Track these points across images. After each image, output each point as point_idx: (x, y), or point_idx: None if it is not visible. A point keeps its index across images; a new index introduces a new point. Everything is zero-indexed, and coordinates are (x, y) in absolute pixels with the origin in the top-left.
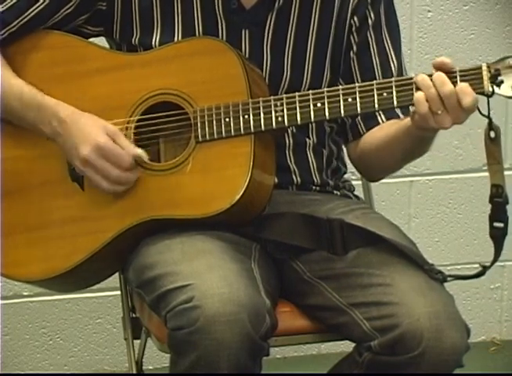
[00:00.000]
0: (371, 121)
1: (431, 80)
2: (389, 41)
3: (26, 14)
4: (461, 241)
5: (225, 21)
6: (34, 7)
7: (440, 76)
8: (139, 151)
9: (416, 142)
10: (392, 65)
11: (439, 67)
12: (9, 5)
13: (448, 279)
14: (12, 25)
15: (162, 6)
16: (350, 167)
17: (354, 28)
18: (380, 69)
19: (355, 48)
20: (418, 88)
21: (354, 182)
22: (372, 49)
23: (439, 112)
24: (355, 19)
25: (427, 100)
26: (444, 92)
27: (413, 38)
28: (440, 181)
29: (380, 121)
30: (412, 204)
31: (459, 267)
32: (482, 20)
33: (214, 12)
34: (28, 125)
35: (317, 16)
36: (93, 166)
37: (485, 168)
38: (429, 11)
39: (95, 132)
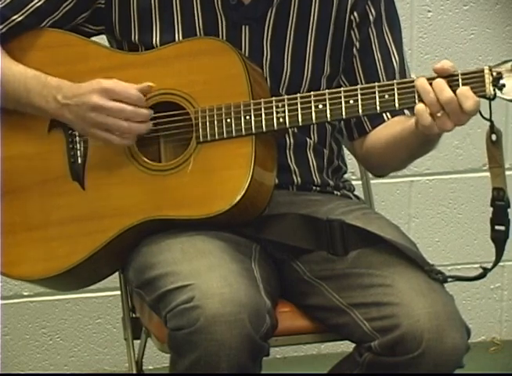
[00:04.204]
0: (377, 119)
1: (431, 85)
2: (390, 37)
3: (25, 9)
4: (461, 241)
5: (224, 17)
6: (33, 2)
7: (439, 83)
8: (143, 83)
9: (422, 143)
10: (394, 60)
11: (440, 73)
12: (9, 0)
13: (449, 280)
14: (11, 20)
15: (161, 4)
16: (350, 167)
17: (354, 24)
18: (381, 64)
19: (357, 44)
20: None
21: (354, 182)
22: (373, 45)
23: (439, 115)
24: (355, 14)
25: (426, 105)
26: (443, 99)
27: (413, 38)
28: (440, 181)
29: (386, 118)
30: (412, 204)
31: (459, 267)
32: (482, 20)
33: (213, 9)
34: (33, 109)
35: (316, 10)
36: (106, 109)
37: (485, 167)
38: (429, 11)
39: (96, 82)
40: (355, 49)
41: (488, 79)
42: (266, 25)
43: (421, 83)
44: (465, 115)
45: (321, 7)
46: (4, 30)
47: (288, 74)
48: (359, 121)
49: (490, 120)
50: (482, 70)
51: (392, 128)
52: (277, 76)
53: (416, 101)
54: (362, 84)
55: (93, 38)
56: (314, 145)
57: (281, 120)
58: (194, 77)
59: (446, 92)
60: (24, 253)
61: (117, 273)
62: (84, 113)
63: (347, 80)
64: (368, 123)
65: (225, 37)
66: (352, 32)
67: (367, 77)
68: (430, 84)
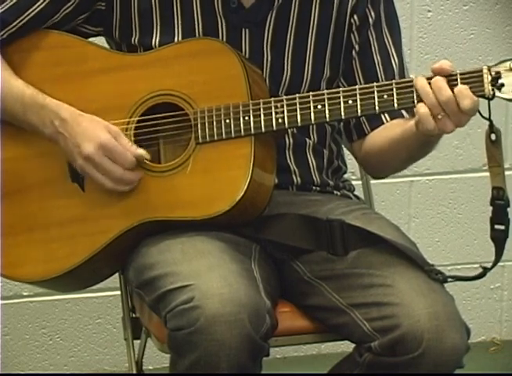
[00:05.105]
0: (375, 121)
1: (430, 85)
2: (390, 39)
3: (26, 14)
4: (461, 241)
5: (225, 21)
6: (34, 7)
7: (438, 82)
8: (141, 151)
9: (421, 145)
10: (393, 62)
11: (438, 73)
12: (9, 5)
13: (449, 280)
14: (12, 25)
15: (161, 7)
16: (350, 167)
17: (354, 27)
18: (381, 67)
19: (357, 47)
20: (418, 94)
21: (354, 182)
22: (373, 47)
23: (439, 117)
24: (355, 17)
25: (427, 106)
26: (442, 99)
27: (413, 38)
28: (440, 181)
29: (385, 120)
30: (412, 204)
31: (459, 267)
32: (482, 20)
33: (213, 12)
34: (29, 127)
35: (316, 14)
36: (96, 164)
37: (485, 167)
38: (429, 11)
39: (98, 131)
40: (354, 52)
41: (486, 79)
42: (266, 28)
43: (422, 85)
44: (464, 115)
45: (321, 10)
46: (5, 35)
47: (288, 77)
48: (358, 122)
49: (489, 119)
50: (481, 70)
51: (392, 130)
52: (277, 79)
53: (415, 101)
54: None
55: (91, 39)
56: (313, 145)
57: (280, 120)
58: (193, 78)
59: (445, 91)
60: (24, 254)
61: (117, 273)
62: (75, 155)
63: (346, 82)
64: (367, 124)
65: (225, 41)
66: (352, 35)
67: (367, 80)
68: (430, 84)
